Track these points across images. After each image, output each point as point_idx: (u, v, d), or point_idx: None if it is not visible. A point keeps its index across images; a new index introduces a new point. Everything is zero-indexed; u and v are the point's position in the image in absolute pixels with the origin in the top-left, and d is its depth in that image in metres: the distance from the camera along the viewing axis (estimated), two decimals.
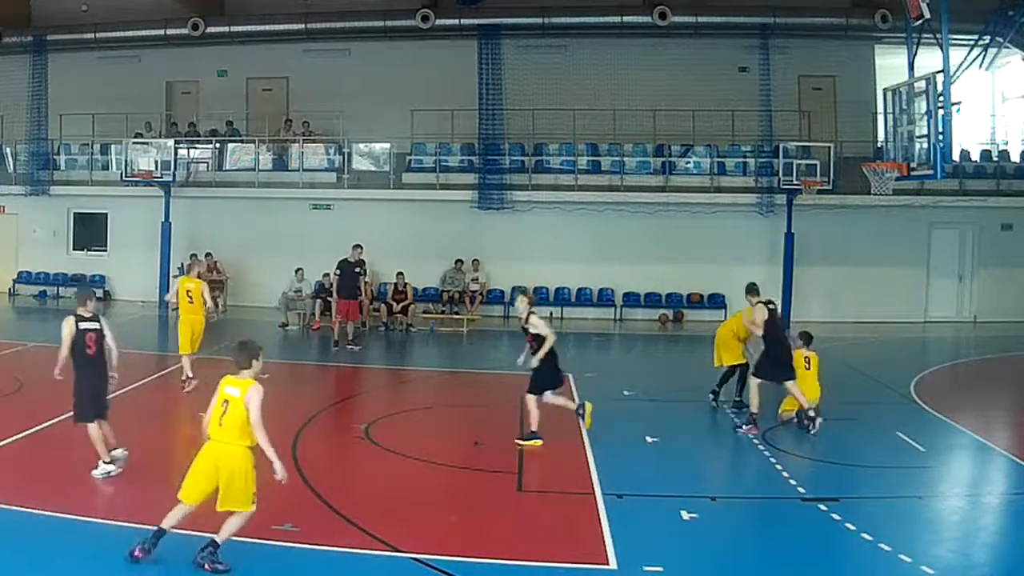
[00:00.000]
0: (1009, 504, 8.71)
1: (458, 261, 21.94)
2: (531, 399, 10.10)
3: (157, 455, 9.81)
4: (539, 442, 9.92)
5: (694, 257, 21.77)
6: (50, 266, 24.31)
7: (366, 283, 18.02)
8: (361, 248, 17.54)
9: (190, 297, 12.90)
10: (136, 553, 6.40)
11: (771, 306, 11.19)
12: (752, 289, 11.34)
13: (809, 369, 11.32)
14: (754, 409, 10.92)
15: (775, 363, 10.95)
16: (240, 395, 6.49)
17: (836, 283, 21.92)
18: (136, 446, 10.04)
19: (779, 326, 11.28)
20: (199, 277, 13.32)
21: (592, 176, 22.40)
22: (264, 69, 24.36)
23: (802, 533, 7.82)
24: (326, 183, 22.90)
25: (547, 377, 10.19)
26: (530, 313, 10.36)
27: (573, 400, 10.29)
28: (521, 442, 9.99)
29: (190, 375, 12.76)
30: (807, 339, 11.68)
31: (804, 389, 11.13)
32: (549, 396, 10.22)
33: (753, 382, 11.05)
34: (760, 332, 11.01)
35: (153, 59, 24.40)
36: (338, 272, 17.46)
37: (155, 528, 6.45)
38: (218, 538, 6.45)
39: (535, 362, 10.14)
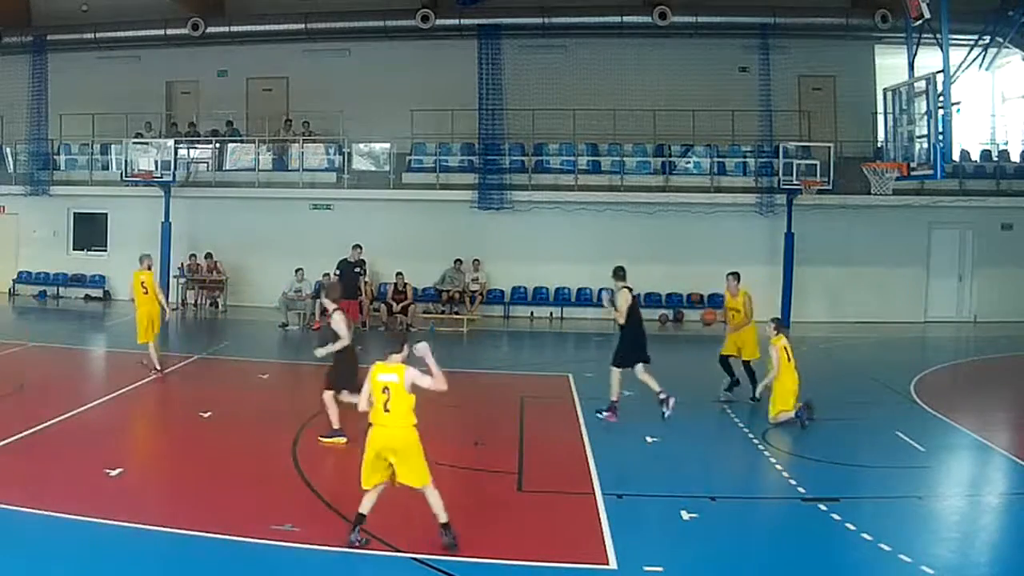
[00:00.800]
0: (1009, 504, 8.70)
1: (457, 261, 21.94)
2: (328, 396, 10.01)
3: (156, 455, 9.82)
4: (343, 440, 9.79)
5: (694, 257, 21.76)
6: (50, 266, 24.31)
7: (366, 283, 18.03)
8: (360, 248, 17.56)
9: (144, 288, 13.42)
10: (355, 543, 6.88)
11: (634, 292, 11.35)
12: (618, 273, 11.37)
13: (791, 361, 11.31)
14: (614, 397, 11.11)
15: (634, 348, 11.14)
16: (399, 380, 6.87)
17: (836, 283, 21.92)
18: (135, 446, 10.06)
19: (639, 312, 11.37)
20: (149, 269, 14.01)
21: (592, 176, 22.40)
22: (264, 69, 24.34)
23: (802, 533, 7.82)
24: (326, 183, 22.89)
25: (344, 376, 10.06)
26: (335, 310, 10.37)
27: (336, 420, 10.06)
28: (323, 439, 9.93)
29: (157, 367, 13.34)
30: (780, 324, 11.62)
31: (787, 381, 11.15)
32: (345, 395, 10.01)
33: (614, 372, 11.21)
34: (622, 320, 11.14)
35: (153, 59, 24.39)
36: (338, 272, 17.49)
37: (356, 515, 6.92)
38: (441, 518, 6.90)
39: (321, 352, 10.21)
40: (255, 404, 12.47)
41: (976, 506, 8.69)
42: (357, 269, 17.44)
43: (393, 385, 6.87)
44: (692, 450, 10.49)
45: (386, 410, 6.83)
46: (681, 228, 21.76)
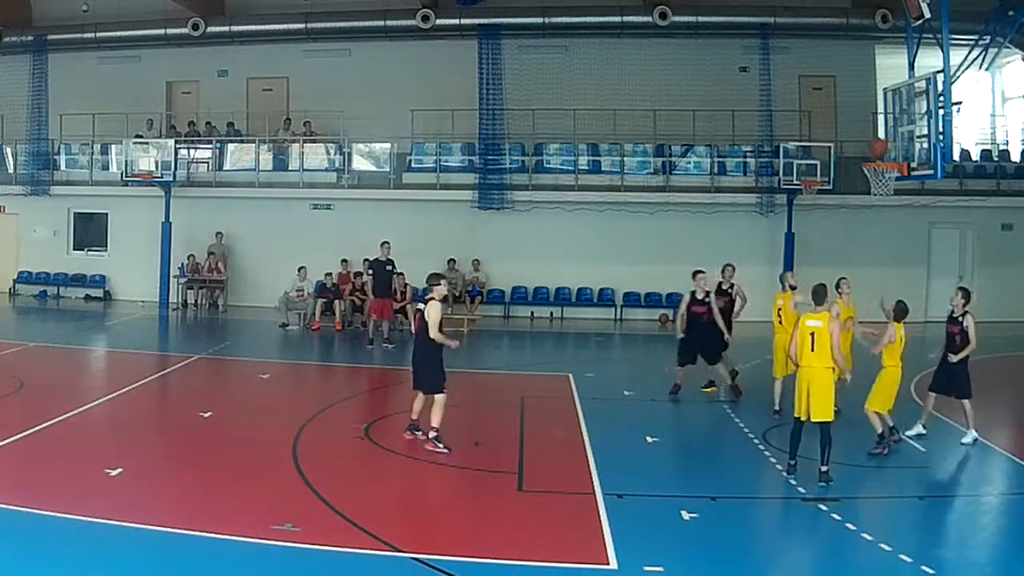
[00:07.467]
0: (1009, 504, 8.72)
1: (451, 260, 21.86)
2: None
3: (156, 455, 9.81)
4: None
5: (694, 257, 21.56)
6: (50, 266, 24.29)
7: (405, 284, 18.08)
8: (389, 245, 17.51)
9: None
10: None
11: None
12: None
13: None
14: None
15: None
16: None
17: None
18: (135, 446, 10.06)
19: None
20: None
21: (592, 176, 22.37)
22: (264, 69, 24.30)
23: (802, 533, 7.82)
24: (326, 183, 22.87)
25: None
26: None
27: None
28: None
29: None
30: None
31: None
32: None
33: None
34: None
35: (153, 59, 24.37)
36: (370, 272, 17.44)
37: None
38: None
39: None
40: (255, 404, 12.48)
41: (976, 506, 8.70)
42: (389, 267, 17.36)
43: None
44: (692, 450, 10.49)
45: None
46: (681, 228, 21.72)
